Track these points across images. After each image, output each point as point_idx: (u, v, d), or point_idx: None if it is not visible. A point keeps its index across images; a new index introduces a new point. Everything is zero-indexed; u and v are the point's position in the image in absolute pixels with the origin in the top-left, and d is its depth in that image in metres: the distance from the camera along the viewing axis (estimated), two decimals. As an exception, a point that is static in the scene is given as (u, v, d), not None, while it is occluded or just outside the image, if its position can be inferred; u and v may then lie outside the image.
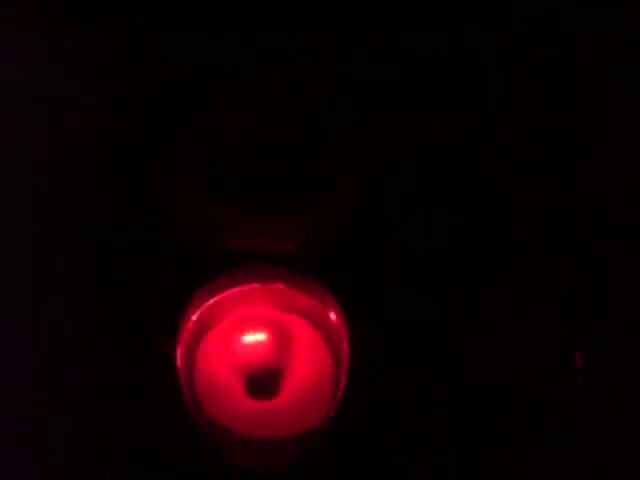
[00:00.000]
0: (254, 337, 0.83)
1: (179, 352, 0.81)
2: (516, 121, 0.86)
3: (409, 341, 0.83)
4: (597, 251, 0.85)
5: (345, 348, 0.82)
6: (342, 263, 0.84)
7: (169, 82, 0.84)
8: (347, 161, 0.84)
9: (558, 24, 0.84)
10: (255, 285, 0.83)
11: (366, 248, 0.84)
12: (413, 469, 0.82)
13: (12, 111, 0.84)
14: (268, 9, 0.82)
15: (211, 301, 0.83)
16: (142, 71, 0.84)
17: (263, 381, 0.81)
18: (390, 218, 0.85)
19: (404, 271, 0.84)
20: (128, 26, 0.83)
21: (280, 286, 0.83)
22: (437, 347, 0.83)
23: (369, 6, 0.83)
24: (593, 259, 0.85)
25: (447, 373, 0.83)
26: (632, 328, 0.83)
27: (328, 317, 0.83)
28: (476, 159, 0.85)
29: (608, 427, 0.83)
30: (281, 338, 0.83)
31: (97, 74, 0.84)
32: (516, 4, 0.83)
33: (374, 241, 0.84)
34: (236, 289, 0.83)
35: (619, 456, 0.83)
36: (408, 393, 0.82)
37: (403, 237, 0.84)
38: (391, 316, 0.83)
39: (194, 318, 0.82)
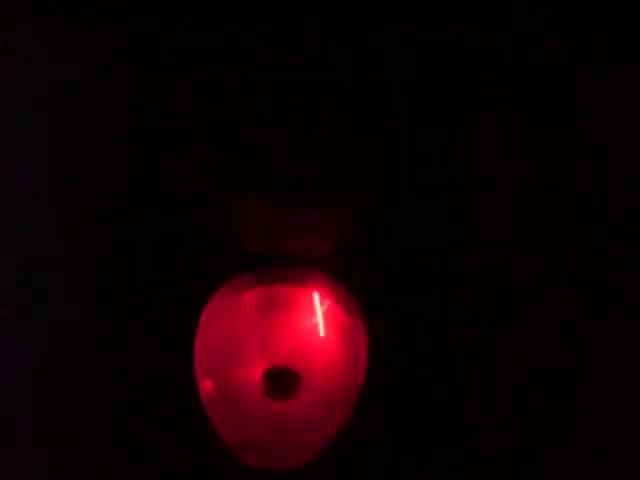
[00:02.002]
0: (273, 338, 0.82)
1: (196, 351, 0.81)
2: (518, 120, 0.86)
3: (427, 344, 0.83)
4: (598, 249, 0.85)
5: (363, 350, 0.82)
6: (361, 263, 0.84)
7: (185, 78, 0.84)
8: (367, 163, 0.84)
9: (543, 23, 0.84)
10: (273, 286, 0.83)
11: (385, 248, 0.84)
12: (427, 473, 0.82)
13: (13, 111, 0.84)
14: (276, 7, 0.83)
15: (231, 301, 0.83)
16: (157, 67, 0.84)
17: (281, 382, 0.81)
18: (409, 219, 0.85)
19: (424, 272, 0.84)
20: (141, 24, 0.83)
21: (300, 287, 0.83)
22: (455, 348, 0.83)
23: (369, 7, 0.84)
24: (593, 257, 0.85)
25: (465, 373, 0.83)
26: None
27: (347, 319, 0.83)
28: (484, 160, 0.85)
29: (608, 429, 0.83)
30: (300, 339, 0.82)
31: (113, 72, 0.84)
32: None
33: (393, 241, 0.84)
34: (254, 289, 0.83)
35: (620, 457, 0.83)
36: (424, 397, 0.83)
37: (423, 237, 0.84)
38: (410, 316, 0.83)
39: (213, 317, 0.82)
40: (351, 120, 0.84)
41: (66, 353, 0.83)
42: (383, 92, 0.84)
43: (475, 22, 0.84)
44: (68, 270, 0.83)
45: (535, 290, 0.85)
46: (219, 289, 0.83)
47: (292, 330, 0.83)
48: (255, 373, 0.82)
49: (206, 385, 0.81)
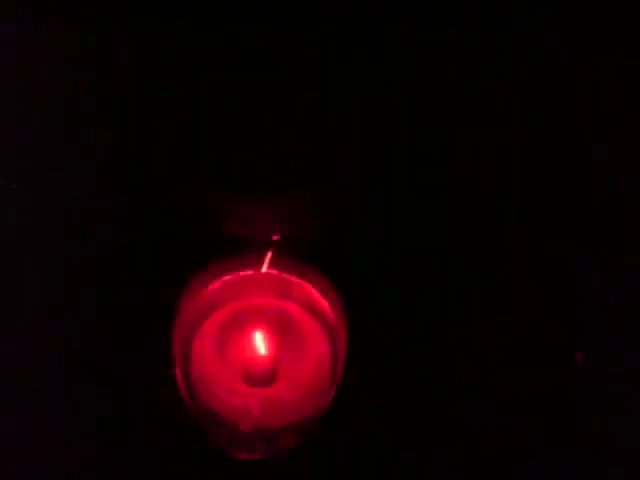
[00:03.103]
0: (251, 325, 0.82)
1: (174, 341, 0.81)
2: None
3: (409, 331, 0.83)
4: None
5: (342, 336, 0.82)
6: (341, 251, 0.83)
7: (185, 78, 0.84)
8: (350, 147, 0.84)
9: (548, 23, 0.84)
10: (251, 272, 0.83)
11: (367, 236, 0.84)
12: (412, 461, 0.82)
13: (11, 111, 0.84)
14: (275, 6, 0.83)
15: (207, 288, 0.82)
16: (157, 67, 0.84)
17: (260, 370, 0.81)
18: (393, 206, 0.84)
19: (406, 261, 0.84)
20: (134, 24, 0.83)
21: (277, 273, 0.83)
22: (437, 338, 0.83)
23: (369, 7, 0.84)
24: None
25: (446, 366, 0.83)
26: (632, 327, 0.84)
27: (326, 305, 0.82)
28: (484, 160, 0.85)
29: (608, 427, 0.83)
30: (278, 326, 0.82)
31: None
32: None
33: (376, 229, 0.84)
34: (232, 276, 0.83)
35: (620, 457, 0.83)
36: (406, 384, 0.82)
37: (406, 226, 0.84)
38: (390, 304, 0.83)
39: (189, 306, 0.82)
40: (350, 120, 0.84)
41: (40, 339, 0.82)
42: (383, 92, 0.84)
43: (475, 22, 0.84)
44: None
45: (533, 290, 0.84)
46: (198, 274, 0.82)
47: (272, 318, 0.82)
48: (234, 362, 0.81)
49: (185, 374, 0.81)
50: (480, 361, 0.83)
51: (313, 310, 0.82)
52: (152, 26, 0.84)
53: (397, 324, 0.83)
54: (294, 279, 0.82)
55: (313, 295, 0.82)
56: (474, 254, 0.84)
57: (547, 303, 0.84)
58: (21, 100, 0.84)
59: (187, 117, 0.84)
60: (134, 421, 0.81)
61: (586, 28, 0.84)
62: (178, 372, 0.80)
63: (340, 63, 0.84)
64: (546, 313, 0.84)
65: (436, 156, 0.85)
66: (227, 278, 0.82)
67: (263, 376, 0.81)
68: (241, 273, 0.83)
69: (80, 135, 0.84)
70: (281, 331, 0.82)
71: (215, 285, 0.82)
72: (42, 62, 0.84)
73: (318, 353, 0.82)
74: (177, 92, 0.84)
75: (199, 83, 0.84)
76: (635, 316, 0.84)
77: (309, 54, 0.84)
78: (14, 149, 0.84)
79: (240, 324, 0.82)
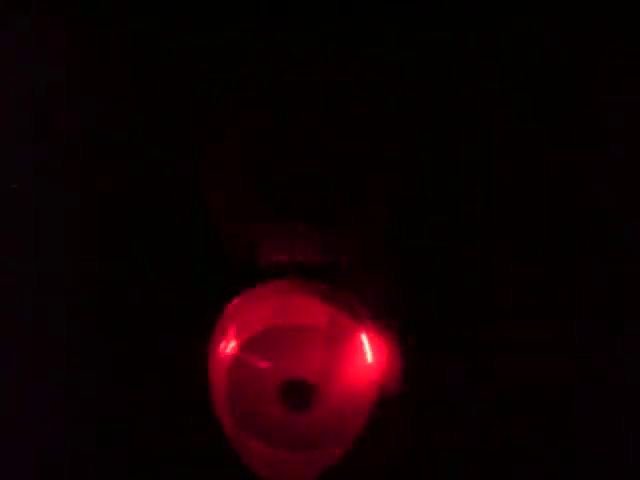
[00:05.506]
0: (292, 348, 0.82)
1: (214, 359, 0.81)
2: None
3: (444, 359, 0.83)
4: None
5: (381, 363, 0.82)
6: (377, 277, 0.83)
7: (185, 78, 0.84)
8: (382, 174, 0.84)
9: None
10: (291, 297, 0.83)
11: (400, 262, 0.84)
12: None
13: (12, 111, 0.84)
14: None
15: (248, 311, 0.82)
16: (171, 72, 0.84)
17: (299, 393, 0.81)
18: (425, 232, 0.84)
19: (439, 284, 0.84)
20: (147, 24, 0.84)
21: (317, 299, 0.83)
22: (472, 362, 0.83)
23: (369, 7, 0.84)
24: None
25: (481, 387, 0.83)
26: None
27: (363, 333, 0.83)
28: (484, 161, 0.85)
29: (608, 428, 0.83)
30: (319, 350, 0.82)
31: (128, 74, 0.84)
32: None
33: (409, 255, 0.84)
34: (273, 300, 0.83)
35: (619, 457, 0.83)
36: (443, 414, 0.82)
37: (437, 251, 0.84)
38: (427, 330, 0.83)
39: (230, 326, 0.82)
40: (351, 121, 0.84)
41: (76, 362, 0.83)
42: (383, 92, 0.84)
43: (475, 22, 0.84)
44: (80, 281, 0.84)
45: (549, 300, 0.85)
46: (235, 301, 0.83)
47: (307, 342, 0.82)
48: (271, 384, 0.81)
49: (222, 393, 0.81)
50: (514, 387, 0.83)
51: (351, 337, 0.82)
52: (152, 26, 0.84)
53: (432, 347, 0.83)
54: (331, 305, 0.83)
55: (349, 321, 0.83)
56: (481, 265, 0.85)
57: (553, 304, 0.85)
58: (21, 100, 0.84)
59: (187, 118, 0.84)
60: (169, 440, 0.82)
61: (586, 28, 0.84)
62: (216, 390, 0.81)
63: (340, 63, 0.84)
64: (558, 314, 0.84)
65: (436, 156, 0.85)
66: (266, 302, 0.83)
67: (301, 399, 0.81)
68: (279, 298, 0.83)
69: (80, 136, 0.84)
70: (322, 356, 0.82)
71: (254, 308, 0.83)
72: (42, 62, 0.84)
73: (357, 381, 0.82)
74: (177, 92, 0.84)
75: (199, 83, 0.84)
76: (635, 317, 0.84)
77: (309, 54, 0.84)
78: (14, 149, 0.84)
79: (281, 346, 0.82)
